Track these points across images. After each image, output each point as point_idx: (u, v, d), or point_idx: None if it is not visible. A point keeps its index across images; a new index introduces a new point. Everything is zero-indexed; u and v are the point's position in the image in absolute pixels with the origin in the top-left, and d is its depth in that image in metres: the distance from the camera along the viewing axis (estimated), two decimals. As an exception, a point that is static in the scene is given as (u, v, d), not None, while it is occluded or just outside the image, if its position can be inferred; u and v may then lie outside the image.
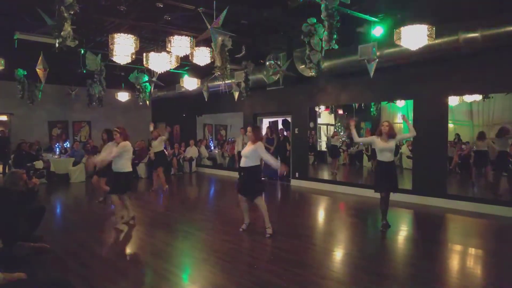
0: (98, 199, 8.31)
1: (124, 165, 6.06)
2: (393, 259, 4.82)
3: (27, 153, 11.19)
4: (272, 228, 5.59)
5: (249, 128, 5.71)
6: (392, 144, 5.76)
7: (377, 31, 6.80)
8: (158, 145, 9.80)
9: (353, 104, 10.38)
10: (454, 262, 4.74)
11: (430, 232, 6.15)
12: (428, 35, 5.10)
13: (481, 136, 8.40)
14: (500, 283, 3.98)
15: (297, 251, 4.93)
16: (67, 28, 4.55)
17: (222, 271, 4.25)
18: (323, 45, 5.16)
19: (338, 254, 5.01)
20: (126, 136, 6.14)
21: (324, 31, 5.01)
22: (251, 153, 5.49)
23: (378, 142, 5.82)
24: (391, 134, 5.77)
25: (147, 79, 9.95)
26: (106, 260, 4.74)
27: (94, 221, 6.69)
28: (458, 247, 5.31)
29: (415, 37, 5.13)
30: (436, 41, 5.93)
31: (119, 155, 5.96)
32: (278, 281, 3.90)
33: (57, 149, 12.38)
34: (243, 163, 5.60)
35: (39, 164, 11.20)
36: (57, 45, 4.58)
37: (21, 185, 4.44)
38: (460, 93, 7.85)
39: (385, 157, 5.78)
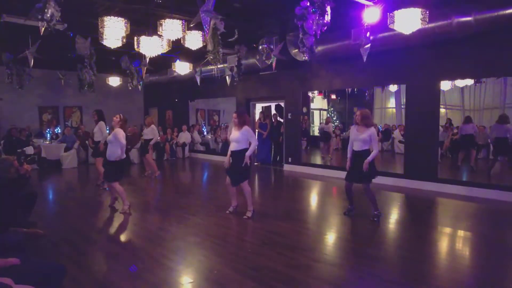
0: (98, 182, 8.35)
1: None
2: (384, 242, 4.90)
3: (17, 139, 11.06)
4: (252, 212, 5.75)
5: (234, 114, 5.73)
6: (364, 136, 5.46)
7: (371, 15, 6.74)
8: (148, 134, 9.85)
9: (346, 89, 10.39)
10: (443, 244, 4.84)
11: (420, 216, 6.26)
12: (421, 19, 5.06)
13: (467, 120, 8.52)
14: (488, 265, 4.08)
15: (291, 235, 4.99)
16: (51, 10, 4.43)
17: (217, 255, 4.29)
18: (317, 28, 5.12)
19: (331, 238, 5.08)
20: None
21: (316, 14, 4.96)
22: (240, 137, 5.58)
23: (352, 132, 5.68)
24: (366, 123, 5.49)
25: (138, 64, 9.84)
26: (100, 245, 4.76)
27: (87, 207, 6.69)
28: (448, 230, 5.41)
29: (408, 21, 5.10)
30: (430, 25, 5.91)
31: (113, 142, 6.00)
32: (272, 264, 3.96)
33: (48, 135, 12.25)
34: (233, 147, 5.69)
35: (29, 150, 11.09)
36: (42, 28, 4.47)
37: (13, 172, 4.39)
38: (452, 77, 7.88)
39: (356, 146, 5.61)
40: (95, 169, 8.39)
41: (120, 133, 6.03)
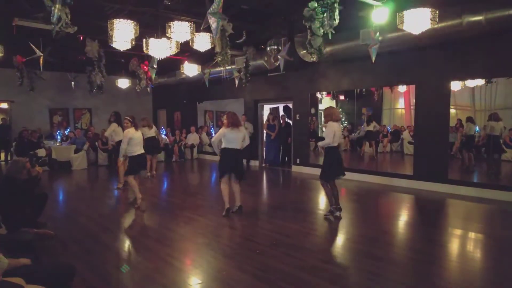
0: (118, 186, 8.52)
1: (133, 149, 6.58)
2: (393, 243, 4.86)
3: (28, 141, 11.21)
4: (225, 210, 5.93)
5: (225, 116, 6.00)
6: (324, 128, 5.88)
7: (379, 15, 6.69)
8: (147, 133, 10.12)
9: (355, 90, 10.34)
10: (454, 246, 4.78)
11: (430, 217, 6.19)
12: (431, 19, 5.01)
13: (469, 120, 8.48)
14: (499, 267, 4.02)
15: (299, 236, 4.98)
16: (58, 13, 4.47)
17: (225, 256, 4.30)
18: (325, 29, 5.10)
19: (339, 239, 5.06)
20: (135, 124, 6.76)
21: (325, 15, 4.94)
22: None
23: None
24: (328, 121, 5.79)
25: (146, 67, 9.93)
26: (109, 246, 4.79)
27: (97, 208, 6.74)
28: (458, 231, 5.35)
29: (418, 21, 5.05)
30: (439, 25, 5.84)
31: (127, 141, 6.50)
32: (280, 265, 3.95)
33: (58, 137, 12.39)
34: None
35: (41, 152, 11.23)
36: (54, 31, 4.52)
37: (25, 173, 4.45)
38: (462, 78, 7.78)
39: None
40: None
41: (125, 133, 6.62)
